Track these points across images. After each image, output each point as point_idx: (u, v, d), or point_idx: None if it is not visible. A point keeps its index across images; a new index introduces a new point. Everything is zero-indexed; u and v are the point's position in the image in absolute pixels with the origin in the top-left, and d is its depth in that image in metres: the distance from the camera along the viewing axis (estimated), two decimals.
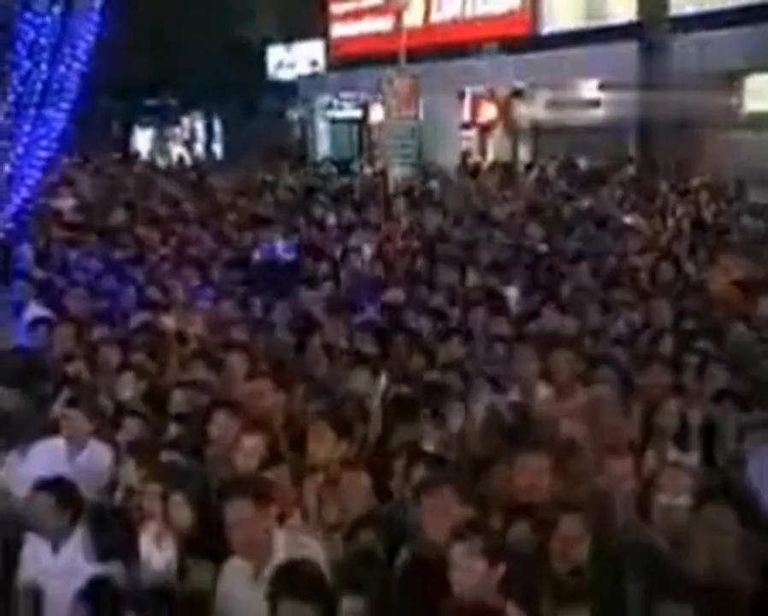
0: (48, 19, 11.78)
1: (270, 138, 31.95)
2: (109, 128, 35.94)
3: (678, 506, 5.35)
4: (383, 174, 22.60)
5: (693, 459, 6.59)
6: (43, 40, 11.85)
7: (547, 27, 22.15)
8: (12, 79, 11.77)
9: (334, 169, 26.87)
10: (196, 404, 7.32)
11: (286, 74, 31.85)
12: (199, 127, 37.00)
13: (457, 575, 4.56)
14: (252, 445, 6.14)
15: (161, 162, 33.22)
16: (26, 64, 11.90)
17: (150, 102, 37.17)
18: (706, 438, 6.76)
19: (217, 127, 35.89)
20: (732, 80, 19.70)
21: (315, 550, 5.14)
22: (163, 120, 37.60)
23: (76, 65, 12.32)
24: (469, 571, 4.54)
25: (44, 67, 12.01)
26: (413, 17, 24.92)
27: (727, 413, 6.79)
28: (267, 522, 5.06)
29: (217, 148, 36.47)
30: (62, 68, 12.15)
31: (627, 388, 7.42)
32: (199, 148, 36.66)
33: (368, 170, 26.96)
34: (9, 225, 12.29)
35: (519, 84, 24.53)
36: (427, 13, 25.30)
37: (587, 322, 9.47)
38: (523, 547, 5.14)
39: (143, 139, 38.82)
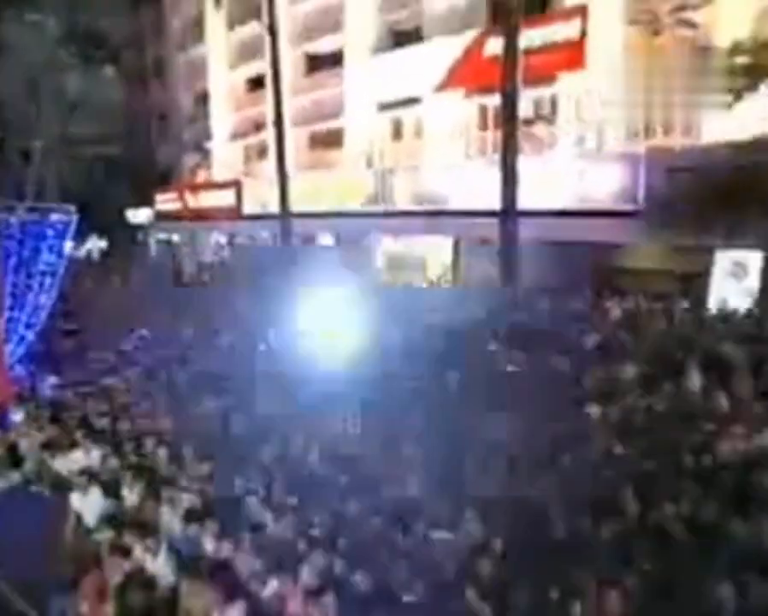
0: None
1: (128, 248, 28.98)
2: None
3: None
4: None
5: None
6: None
7: (246, 211, 21.45)
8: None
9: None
10: None
11: (135, 220, 28.71)
12: (95, 240, 32.14)
13: None
14: None
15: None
16: None
17: None
18: None
19: (104, 242, 31.62)
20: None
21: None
22: (77, 237, 32.24)
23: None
24: None
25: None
26: (191, 204, 24.22)
27: None
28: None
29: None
30: None
31: None
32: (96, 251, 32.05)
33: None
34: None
35: (237, 230, 23.68)
36: (196, 201, 23.94)
37: None
38: None
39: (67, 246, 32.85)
